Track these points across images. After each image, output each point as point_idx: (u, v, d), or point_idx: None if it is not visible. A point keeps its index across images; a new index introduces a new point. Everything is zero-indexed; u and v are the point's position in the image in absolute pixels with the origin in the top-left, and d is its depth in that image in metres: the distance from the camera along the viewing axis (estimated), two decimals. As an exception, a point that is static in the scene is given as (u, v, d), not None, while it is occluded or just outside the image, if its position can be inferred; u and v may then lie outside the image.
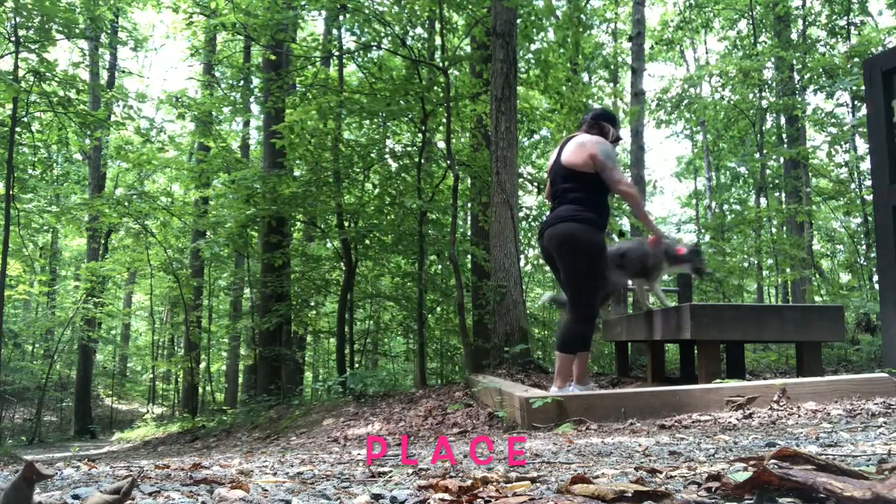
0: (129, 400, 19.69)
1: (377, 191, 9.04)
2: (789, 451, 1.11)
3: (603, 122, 3.87)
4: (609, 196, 3.91)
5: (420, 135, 7.89)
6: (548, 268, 6.03)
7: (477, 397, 4.53)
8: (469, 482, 1.16)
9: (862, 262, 9.20)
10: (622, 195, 3.75)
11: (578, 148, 3.74)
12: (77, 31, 8.14)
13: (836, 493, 0.85)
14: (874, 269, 7.09)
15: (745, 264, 12.49)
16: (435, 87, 7.39)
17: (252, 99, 10.10)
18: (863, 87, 4.47)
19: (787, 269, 11.11)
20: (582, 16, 8.54)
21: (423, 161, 8.09)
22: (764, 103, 11.84)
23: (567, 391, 3.67)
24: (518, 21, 7.08)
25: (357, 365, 9.49)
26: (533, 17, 7.88)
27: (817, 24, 11.76)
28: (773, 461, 1.11)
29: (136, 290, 19.41)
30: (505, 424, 3.51)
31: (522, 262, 10.26)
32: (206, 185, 11.61)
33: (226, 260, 13.69)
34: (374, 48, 8.12)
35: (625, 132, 16.97)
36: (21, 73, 8.11)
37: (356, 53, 8.63)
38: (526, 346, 5.71)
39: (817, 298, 9.95)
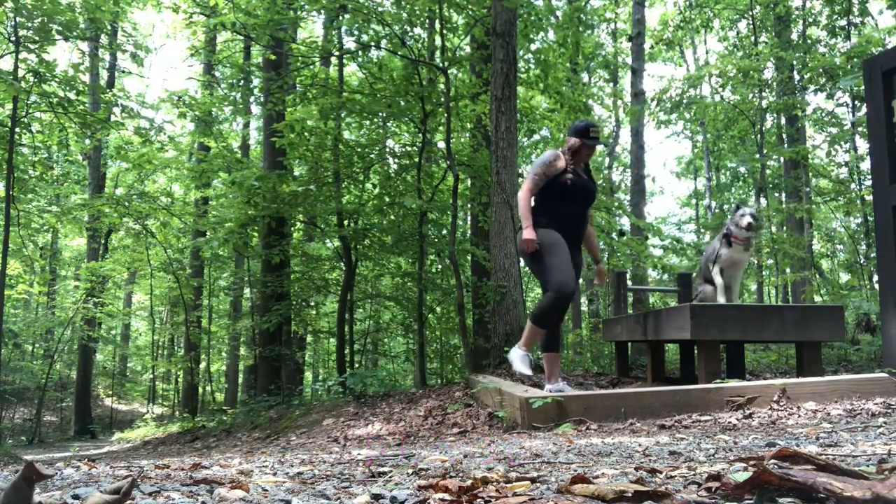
0: (129, 400, 19.69)
1: (377, 191, 9.04)
2: (789, 451, 1.11)
3: (567, 137, 4.13)
4: (570, 199, 4.03)
5: (420, 135, 7.89)
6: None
7: (477, 397, 4.53)
8: (469, 482, 1.16)
9: (862, 262, 9.19)
10: None
11: None
12: (77, 32, 8.13)
13: (836, 493, 0.85)
14: (874, 269, 7.09)
15: (746, 264, 12.48)
16: (435, 88, 7.39)
17: (252, 99, 10.09)
18: (863, 87, 4.47)
19: (787, 270, 11.11)
20: (582, 15, 8.54)
21: (423, 161, 8.09)
22: (764, 103, 11.84)
23: (566, 390, 3.70)
24: (518, 21, 7.08)
25: (357, 365, 9.48)
26: (533, 17, 7.88)
27: (817, 24, 11.76)
28: (773, 461, 1.11)
29: (136, 290, 19.41)
30: (505, 424, 3.50)
31: (522, 263, 10.24)
32: (207, 185, 11.61)
33: (226, 260, 13.69)
34: (374, 48, 8.12)
35: (624, 132, 16.98)
36: (21, 73, 8.10)
37: (356, 53, 8.62)
38: (526, 346, 5.70)
39: (817, 298, 9.94)
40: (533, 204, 4.06)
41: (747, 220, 4.31)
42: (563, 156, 4.04)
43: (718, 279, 4.49)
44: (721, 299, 4.43)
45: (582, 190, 4.06)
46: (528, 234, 3.90)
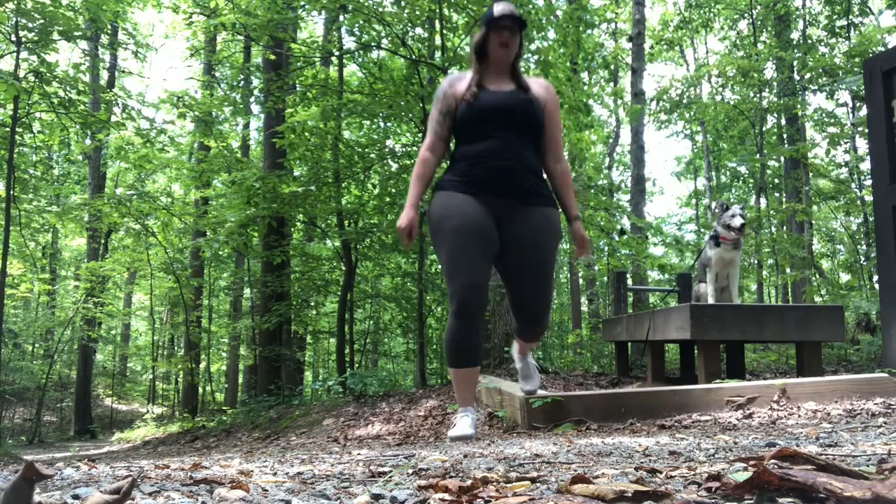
0: (129, 400, 19.69)
1: (377, 190, 9.04)
2: (789, 451, 1.11)
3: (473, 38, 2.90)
4: (477, 124, 2.71)
5: (420, 135, 7.89)
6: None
7: (477, 397, 4.53)
8: (469, 482, 1.16)
9: (862, 262, 9.20)
10: None
11: None
12: (78, 34, 8.13)
13: (837, 493, 0.85)
14: (874, 269, 7.09)
15: (745, 264, 12.50)
16: (435, 88, 7.39)
17: (252, 99, 10.11)
18: (863, 87, 4.47)
19: (788, 270, 11.12)
20: (583, 14, 8.53)
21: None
22: (764, 103, 11.85)
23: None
24: (518, 21, 7.06)
25: (357, 365, 9.49)
26: (533, 17, 7.87)
27: (817, 24, 11.77)
28: (773, 461, 1.11)
29: (136, 290, 19.41)
30: (505, 424, 3.51)
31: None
32: (207, 185, 11.62)
33: (226, 260, 13.69)
34: (374, 48, 8.12)
35: (625, 132, 16.97)
36: (22, 73, 8.11)
37: (356, 53, 8.62)
38: (526, 346, 5.69)
39: (817, 298, 9.95)
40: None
41: (738, 220, 4.30)
42: (468, 73, 2.83)
43: (710, 288, 4.48)
44: (711, 302, 4.43)
45: (492, 105, 2.70)
46: (402, 217, 2.73)
